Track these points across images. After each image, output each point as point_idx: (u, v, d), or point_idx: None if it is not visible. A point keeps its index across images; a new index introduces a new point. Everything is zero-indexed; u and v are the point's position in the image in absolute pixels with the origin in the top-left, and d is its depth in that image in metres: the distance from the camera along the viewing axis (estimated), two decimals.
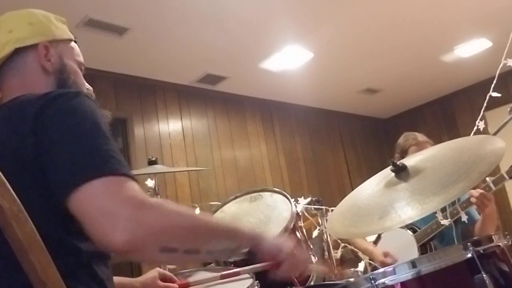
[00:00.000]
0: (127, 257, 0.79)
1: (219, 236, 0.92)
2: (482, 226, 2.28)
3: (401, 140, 2.69)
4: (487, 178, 2.08)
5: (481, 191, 2.11)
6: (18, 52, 1.07)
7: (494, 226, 2.30)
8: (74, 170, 0.80)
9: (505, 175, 2.04)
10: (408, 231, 2.38)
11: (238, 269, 1.25)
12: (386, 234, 2.48)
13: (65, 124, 0.86)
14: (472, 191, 2.12)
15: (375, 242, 2.56)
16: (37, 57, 1.08)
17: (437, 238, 2.40)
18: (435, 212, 2.15)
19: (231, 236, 0.95)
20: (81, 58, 1.18)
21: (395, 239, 2.42)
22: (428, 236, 2.32)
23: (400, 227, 2.33)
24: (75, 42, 1.19)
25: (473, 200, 2.13)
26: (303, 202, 2.39)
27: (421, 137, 2.65)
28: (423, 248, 2.32)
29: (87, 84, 1.20)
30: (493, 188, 2.08)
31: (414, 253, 2.29)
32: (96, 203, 0.77)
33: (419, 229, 2.36)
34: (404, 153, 2.55)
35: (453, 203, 2.20)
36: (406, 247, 2.37)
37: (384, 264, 2.32)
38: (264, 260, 1.09)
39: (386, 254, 2.38)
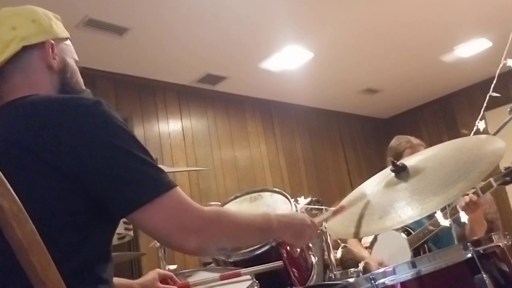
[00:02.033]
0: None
1: (257, 234, 1.12)
2: (471, 229, 2.35)
3: (394, 143, 2.69)
4: (476, 186, 2.09)
5: (472, 196, 2.13)
6: (24, 50, 1.06)
7: (483, 229, 2.35)
8: (138, 188, 0.90)
9: (493, 183, 2.04)
10: (402, 234, 2.37)
11: (238, 270, 1.25)
12: (382, 236, 2.48)
13: (108, 142, 0.91)
14: (465, 197, 2.15)
15: (371, 244, 2.56)
16: (43, 55, 1.08)
17: (432, 241, 2.40)
18: (434, 213, 2.16)
19: (266, 233, 1.14)
20: (76, 56, 1.18)
21: (390, 242, 2.42)
22: (420, 240, 2.31)
23: (395, 230, 2.34)
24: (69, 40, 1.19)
25: (461, 205, 2.16)
26: (303, 202, 2.39)
27: (414, 139, 2.66)
28: (417, 252, 2.31)
29: None
30: (481, 194, 2.10)
31: (407, 258, 2.29)
32: (168, 219, 0.92)
33: (413, 231, 2.36)
34: (398, 156, 2.55)
35: (444, 208, 2.21)
36: (399, 251, 2.36)
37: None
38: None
39: (381, 264, 2.39)
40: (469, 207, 2.14)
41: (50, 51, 1.08)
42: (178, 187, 0.96)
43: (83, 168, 0.88)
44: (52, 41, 1.09)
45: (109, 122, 0.93)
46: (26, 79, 1.06)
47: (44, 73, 1.07)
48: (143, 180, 0.91)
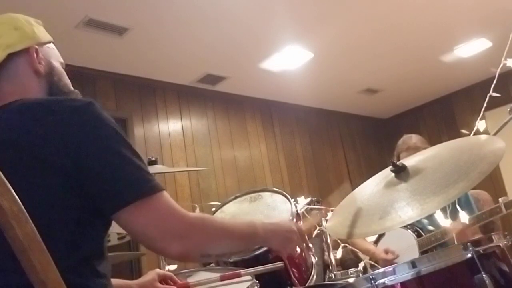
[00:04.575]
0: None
1: (242, 240, 1.12)
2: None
3: (399, 142, 2.72)
4: (500, 200, 2.07)
5: (460, 229, 2.16)
6: (9, 57, 1.08)
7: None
8: (124, 188, 0.91)
9: None
10: (412, 233, 2.36)
11: (239, 271, 1.25)
12: (389, 233, 2.48)
13: (100, 141, 0.93)
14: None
15: (376, 242, 2.56)
16: (29, 61, 1.09)
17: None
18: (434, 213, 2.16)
19: (251, 240, 1.14)
20: (61, 59, 1.20)
21: (398, 240, 2.42)
22: (432, 244, 2.30)
23: (404, 227, 2.33)
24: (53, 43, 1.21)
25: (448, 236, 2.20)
26: (303, 202, 2.39)
27: (415, 141, 2.64)
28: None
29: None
30: (504, 211, 2.05)
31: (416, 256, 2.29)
32: (152, 222, 0.93)
33: (422, 230, 2.36)
34: (397, 158, 2.57)
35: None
36: (407, 249, 2.36)
37: (386, 261, 2.32)
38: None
39: (387, 251, 2.39)
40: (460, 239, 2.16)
41: (35, 56, 1.10)
42: (165, 191, 0.96)
43: (75, 166, 0.91)
44: (36, 46, 1.11)
45: (100, 122, 0.95)
46: (15, 86, 1.07)
47: (31, 78, 1.09)
48: (130, 181, 0.92)
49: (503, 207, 2.05)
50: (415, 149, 2.55)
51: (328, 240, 2.21)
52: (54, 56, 1.17)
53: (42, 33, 1.16)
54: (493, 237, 1.17)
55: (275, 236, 1.18)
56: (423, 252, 2.31)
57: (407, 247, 2.35)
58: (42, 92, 1.10)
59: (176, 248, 0.94)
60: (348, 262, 3.00)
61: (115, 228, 1.02)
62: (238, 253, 1.18)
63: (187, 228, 0.96)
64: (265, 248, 1.41)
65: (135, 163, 0.95)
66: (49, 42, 1.17)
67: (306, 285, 1.49)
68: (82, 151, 0.91)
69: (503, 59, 2.08)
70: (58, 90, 1.12)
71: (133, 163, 0.94)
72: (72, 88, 1.17)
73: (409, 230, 2.36)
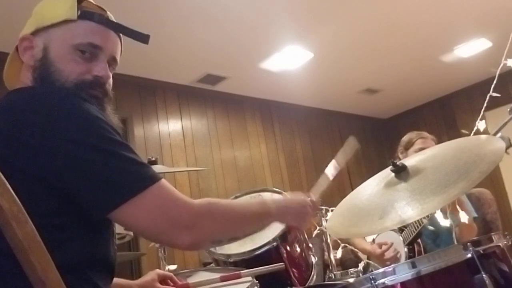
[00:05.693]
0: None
1: (254, 222, 1.08)
2: (461, 233, 2.37)
3: (406, 136, 2.72)
4: None
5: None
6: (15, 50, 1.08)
7: (472, 233, 2.34)
8: (113, 187, 0.85)
9: None
10: (397, 232, 2.40)
11: (239, 272, 1.25)
12: (379, 237, 2.51)
13: (77, 138, 0.86)
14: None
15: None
16: (21, 54, 1.06)
17: (430, 238, 2.41)
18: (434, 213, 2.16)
19: (263, 219, 1.10)
20: (81, 39, 1.03)
21: (387, 239, 2.45)
22: (412, 234, 2.33)
23: (391, 229, 2.36)
24: (88, 18, 1.05)
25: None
26: None
27: (426, 133, 2.69)
28: (411, 248, 2.34)
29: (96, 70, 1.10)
30: None
31: (402, 253, 2.32)
32: (155, 217, 0.87)
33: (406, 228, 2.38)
34: (409, 145, 2.59)
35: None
36: (396, 248, 2.40)
37: (381, 256, 2.35)
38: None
39: (380, 245, 2.41)
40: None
41: (24, 46, 1.05)
42: (162, 181, 0.90)
43: (52, 169, 0.85)
44: (28, 35, 1.04)
45: (77, 117, 0.88)
46: (18, 78, 1.07)
47: (26, 69, 1.05)
48: (120, 177, 0.86)
49: None
50: (431, 140, 2.59)
51: (328, 240, 2.21)
52: (60, 39, 1.02)
53: (53, 14, 1.03)
54: (493, 237, 1.17)
55: (289, 211, 1.17)
56: (409, 244, 2.34)
57: (396, 245, 2.39)
58: (31, 82, 1.02)
59: (185, 240, 0.89)
60: (348, 262, 3.01)
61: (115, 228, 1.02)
62: (251, 234, 1.14)
63: (193, 217, 0.91)
64: (265, 248, 1.41)
65: (123, 157, 0.88)
66: (64, 22, 1.02)
67: (306, 285, 1.49)
68: (59, 155, 0.84)
69: (503, 59, 2.08)
70: (43, 79, 1.01)
71: (120, 158, 0.87)
72: (69, 74, 1.01)
73: (394, 230, 2.39)
